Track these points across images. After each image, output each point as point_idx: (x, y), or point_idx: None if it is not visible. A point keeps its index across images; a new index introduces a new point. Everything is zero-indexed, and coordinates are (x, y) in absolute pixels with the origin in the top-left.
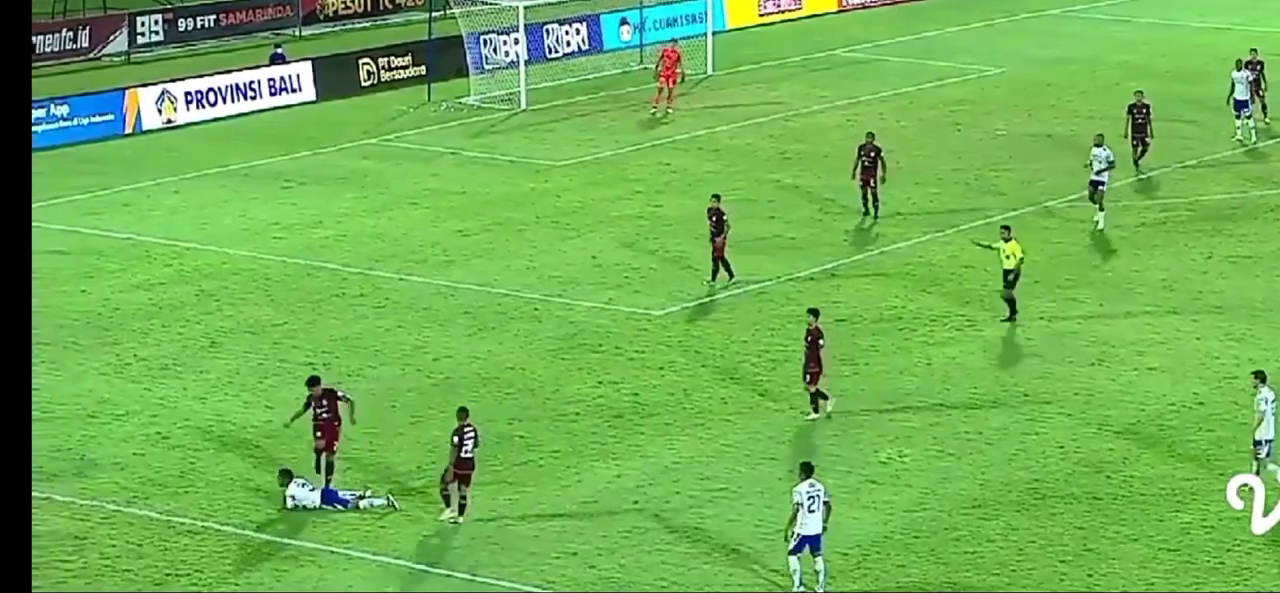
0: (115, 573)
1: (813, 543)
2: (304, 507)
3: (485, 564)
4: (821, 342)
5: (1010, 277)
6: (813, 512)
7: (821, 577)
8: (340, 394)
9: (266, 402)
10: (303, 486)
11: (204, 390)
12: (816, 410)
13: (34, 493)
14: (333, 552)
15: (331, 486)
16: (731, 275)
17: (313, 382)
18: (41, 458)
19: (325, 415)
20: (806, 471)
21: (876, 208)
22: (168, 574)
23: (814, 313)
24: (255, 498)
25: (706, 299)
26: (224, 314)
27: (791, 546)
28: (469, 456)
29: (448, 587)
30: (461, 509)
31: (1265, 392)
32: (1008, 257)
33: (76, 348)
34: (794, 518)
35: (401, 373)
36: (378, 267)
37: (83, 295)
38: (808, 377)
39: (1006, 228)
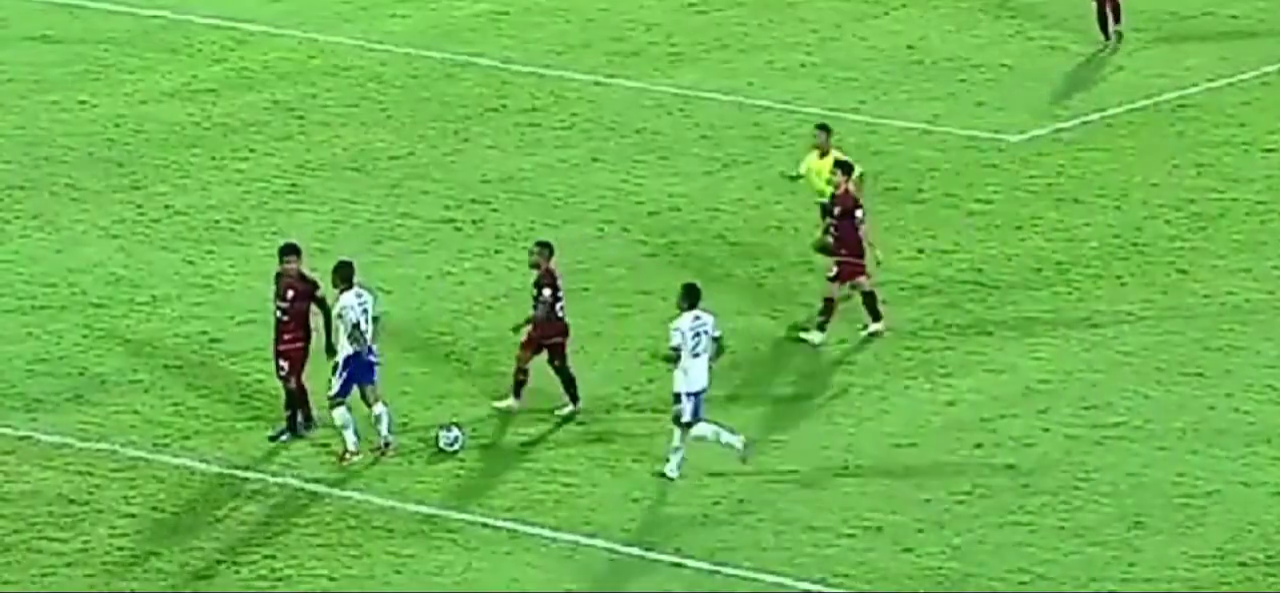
0: (137, 564)
1: (697, 401)
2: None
3: (736, 545)
4: None
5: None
6: (697, 355)
7: (736, 441)
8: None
9: (380, 280)
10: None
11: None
12: None
13: (6, 429)
14: (485, 525)
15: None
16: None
17: (286, 254)
18: (17, 373)
19: (286, 318)
20: (692, 296)
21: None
22: (219, 561)
23: None
24: (366, 440)
25: (1096, 117)
26: (310, 140)
27: (686, 413)
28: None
29: (673, 586)
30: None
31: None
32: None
33: (74, 194)
34: (675, 363)
35: (598, 234)
36: (561, 64)
37: (84, 110)
38: None
39: (824, 128)
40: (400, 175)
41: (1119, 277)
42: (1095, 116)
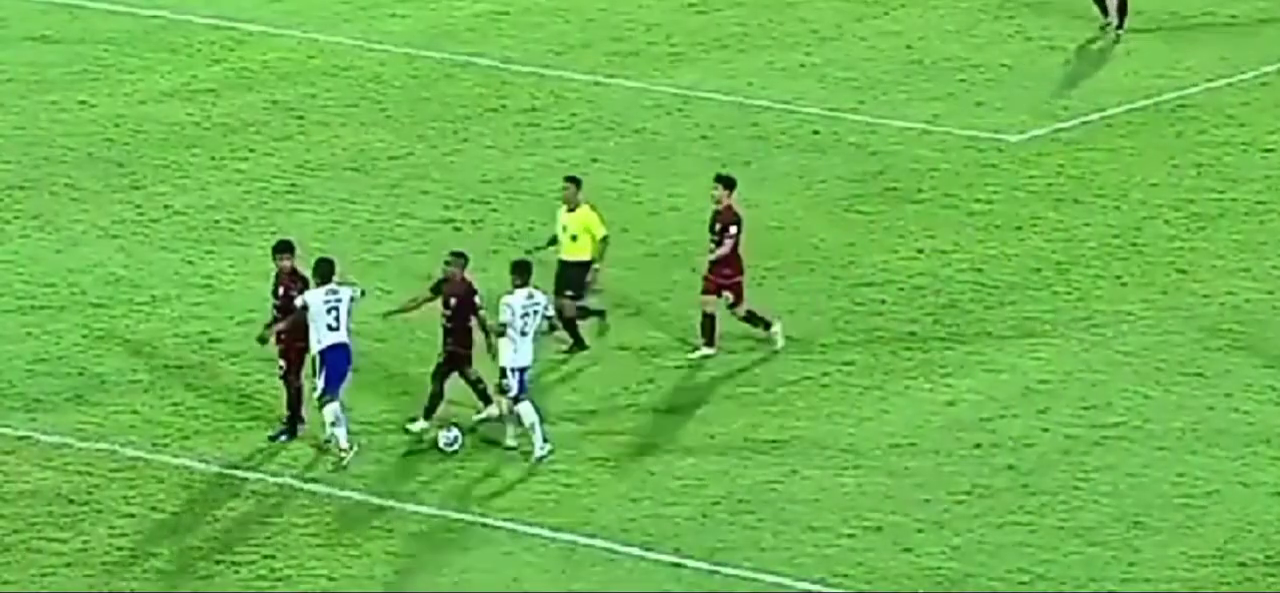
0: (136, 562)
1: (522, 378)
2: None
3: (735, 545)
4: None
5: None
6: (526, 333)
7: (536, 436)
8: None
9: (378, 281)
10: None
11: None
12: None
13: (6, 429)
14: (484, 525)
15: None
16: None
17: (280, 251)
18: (17, 373)
19: (282, 315)
20: (524, 273)
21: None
22: (219, 561)
23: None
24: (357, 435)
25: (1096, 116)
26: (309, 140)
27: (512, 388)
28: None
29: (672, 586)
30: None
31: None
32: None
33: (73, 194)
34: (500, 339)
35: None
36: (561, 64)
37: (83, 110)
38: None
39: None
40: (400, 175)
41: (1118, 277)
42: (1095, 117)
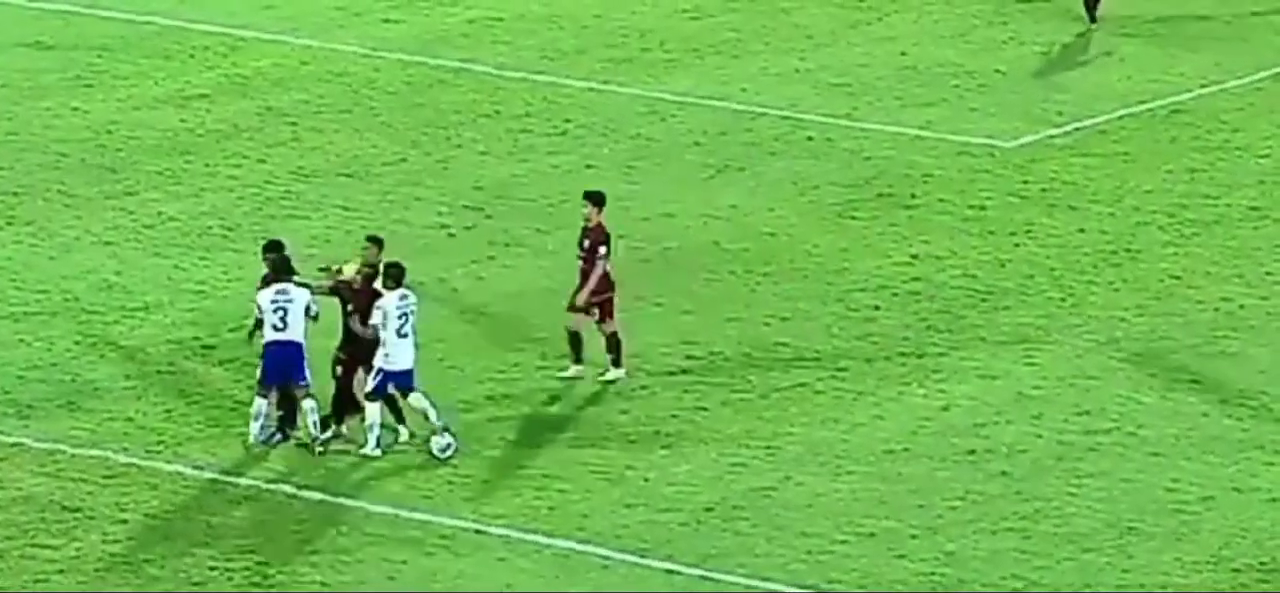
0: (129, 568)
1: (402, 380)
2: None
3: (729, 551)
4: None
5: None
6: (404, 335)
7: (433, 415)
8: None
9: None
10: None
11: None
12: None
13: None
14: (478, 531)
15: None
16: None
17: (270, 251)
18: (9, 380)
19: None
20: (398, 275)
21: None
22: (212, 567)
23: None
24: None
25: (1089, 122)
26: (303, 146)
27: (370, 385)
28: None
29: (668, 587)
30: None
31: None
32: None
33: (67, 200)
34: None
35: None
36: (554, 70)
37: (77, 115)
38: None
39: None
40: (394, 181)
41: (1112, 283)
42: (1089, 122)
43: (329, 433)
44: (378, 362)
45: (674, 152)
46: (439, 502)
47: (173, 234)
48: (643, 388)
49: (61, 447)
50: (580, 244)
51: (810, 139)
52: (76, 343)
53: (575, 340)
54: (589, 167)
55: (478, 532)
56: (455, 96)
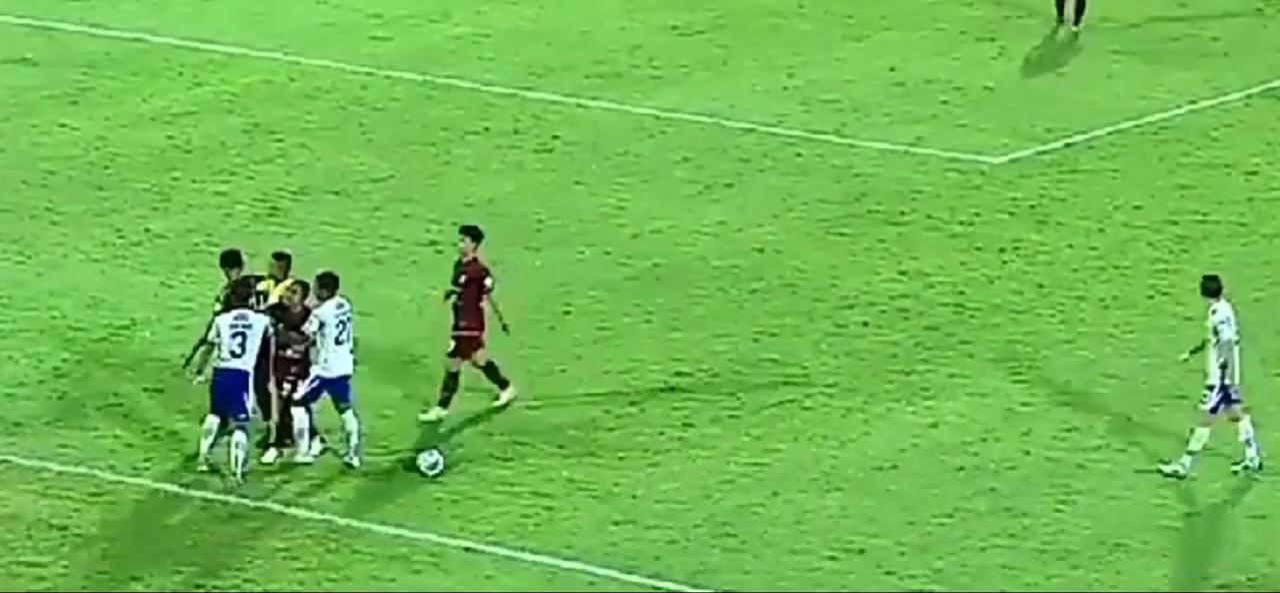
0: (116, 586)
1: (339, 388)
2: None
3: (717, 568)
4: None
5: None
6: (341, 342)
7: (354, 440)
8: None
9: (361, 305)
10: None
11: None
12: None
13: None
14: (469, 548)
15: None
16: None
17: (227, 262)
18: None
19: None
20: (332, 285)
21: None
22: (199, 585)
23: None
24: (344, 461)
25: (1078, 138)
26: (290, 163)
27: (303, 390)
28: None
29: None
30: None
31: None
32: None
33: (53, 218)
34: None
35: (581, 258)
36: (542, 86)
37: (64, 132)
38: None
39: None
40: (381, 198)
41: (1101, 299)
42: (1078, 138)
43: (284, 454)
44: (315, 369)
45: (662, 168)
46: (427, 518)
47: (160, 251)
48: (631, 405)
49: (49, 464)
50: (455, 279)
51: (799, 155)
52: (64, 360)
53: (491, 370)
54: (577, 183)
55: (466, 549)
56: (443, 113)
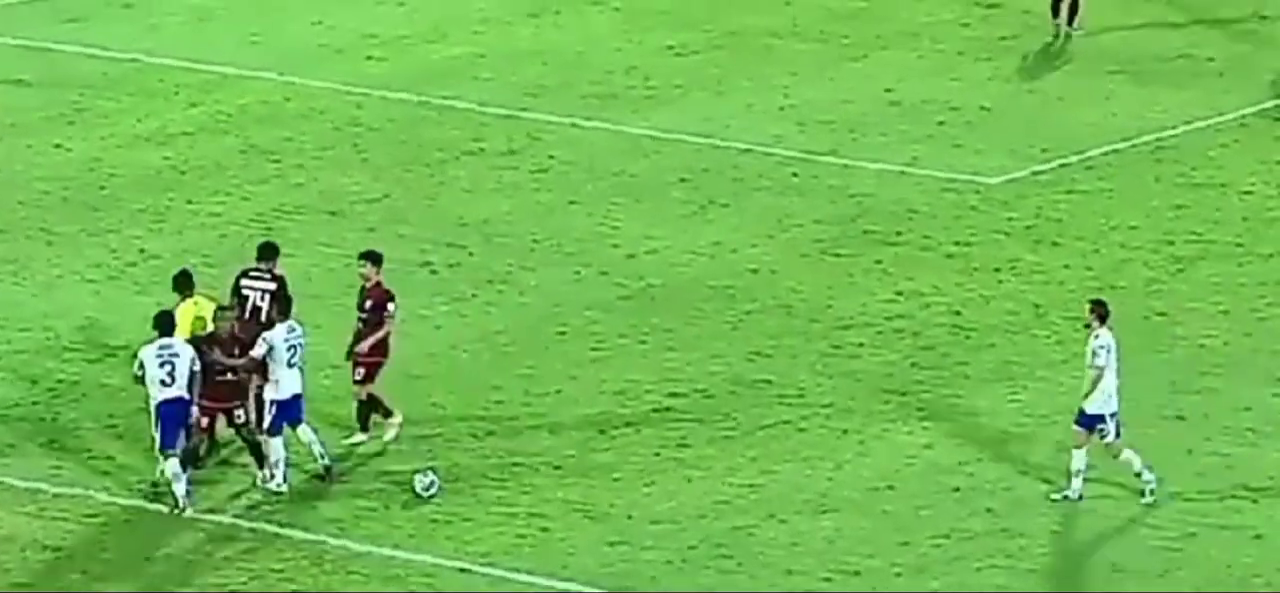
0: None
1: (291, 410)
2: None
3: (713, 589)
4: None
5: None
6: (292, 365)
7: (318, 449)
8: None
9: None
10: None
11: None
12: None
13: None
14: (464, 570)
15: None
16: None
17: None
18: None
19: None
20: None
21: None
22: None
23: None
24: (339, 480)
25: (1075, 159)
26: (287, 183)
27: (266, 420)
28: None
29: None
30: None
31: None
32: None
33: (48, 238)
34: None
35: (576, 278)
36: (538, 106)
37: (58, 153)
38: None
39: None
40: (377, 218)
41: None
42: (1073, 159)
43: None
44: (268, 394)
45: (658, 188)
46: (422, 540)
47: (155, 272)
48: (626, 425)
49: (43, 486)
50: (360, 305)
51: (794, 176)
52: (58, 382)
53: (372, 403)
54: (572, 203)
55: (461, 570)
56: (438, 133)
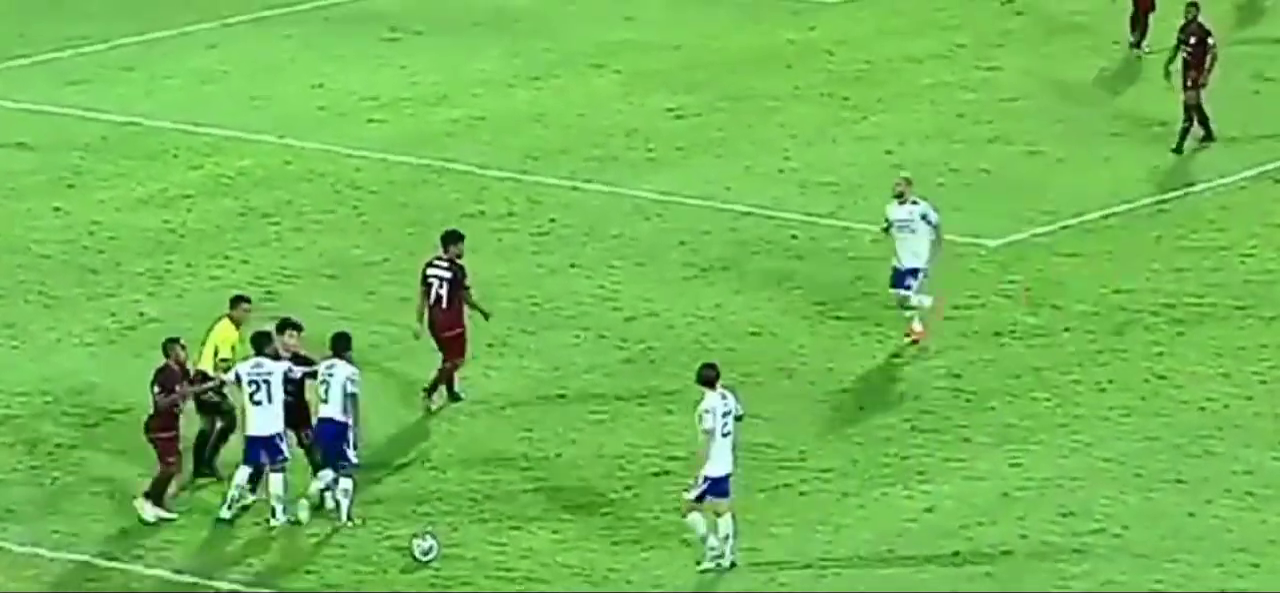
0: None
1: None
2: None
3: None
4: None
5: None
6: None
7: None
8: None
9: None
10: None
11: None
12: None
13: None
14: None
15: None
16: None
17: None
18: None
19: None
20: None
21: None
22: None
23: None
24: (338, 542)
25: (1074, 222)
26: (287, 247)
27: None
28: None
29: None
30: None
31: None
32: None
33: (47, 302)
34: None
35: (576, 341)
36: (538, 169)
37: (58, 216)
38: None
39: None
40: (377, 281)
41: (1097, 382)
42: (1073, 221)
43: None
44: (249, 429)
45: (658, 251)
46: None
47: (155, 335)
48: (626, 488)
49: (41, 550)
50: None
51: (794, 238)
52: (58, 445)
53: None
54: (572, 266)
55: None
56: (438, 196)
